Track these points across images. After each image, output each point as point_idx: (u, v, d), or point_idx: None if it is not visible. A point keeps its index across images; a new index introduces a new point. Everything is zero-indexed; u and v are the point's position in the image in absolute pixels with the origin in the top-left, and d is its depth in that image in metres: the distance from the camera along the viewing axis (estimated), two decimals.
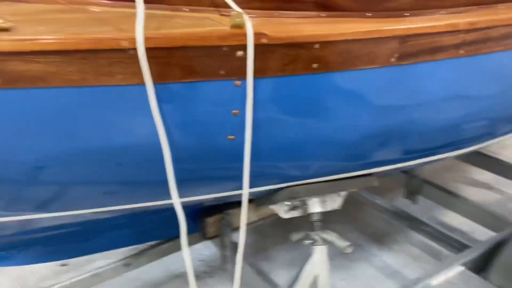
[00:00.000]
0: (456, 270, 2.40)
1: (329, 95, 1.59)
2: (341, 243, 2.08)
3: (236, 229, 2.74)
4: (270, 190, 1.92)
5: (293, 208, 2.15)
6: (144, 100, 1.37)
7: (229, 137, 1.57)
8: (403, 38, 1.57)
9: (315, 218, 2.13)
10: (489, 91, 1.86)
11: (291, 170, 1.82)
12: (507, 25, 1.76)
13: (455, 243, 3.00)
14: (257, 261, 3.34)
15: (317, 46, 1.47)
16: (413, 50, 1.61)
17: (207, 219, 2.61)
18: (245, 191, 1.62)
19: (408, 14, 1.69)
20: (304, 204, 2.13)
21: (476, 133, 2.08)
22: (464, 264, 2.42)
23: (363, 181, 2.03)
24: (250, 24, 1.38)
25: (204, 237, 2.67)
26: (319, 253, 2.14)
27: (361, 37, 1.50)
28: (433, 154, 2.08)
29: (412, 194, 3.41)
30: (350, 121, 1.67)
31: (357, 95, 1.62)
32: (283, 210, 2.15)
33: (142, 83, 1.35)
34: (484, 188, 4.20)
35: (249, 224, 2.85)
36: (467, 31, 1.66)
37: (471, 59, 1.72)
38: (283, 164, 1.77)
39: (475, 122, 1.96)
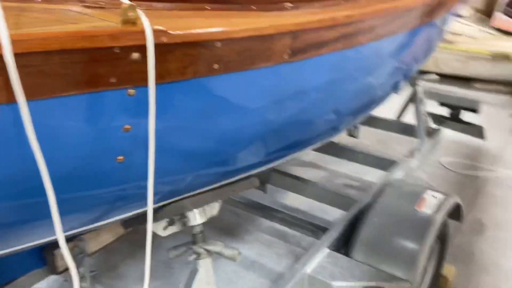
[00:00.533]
0: (322, 253, 2.48)
1: (228, 98, 1.42)
2: (228, 251, 1.95)
3: (93, 254, 2.36)
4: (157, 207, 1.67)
5: (171, 223, 1.92)
6: (11, 123, 1.00)
7: (118, 158, 1.27)
8: (295, 33, 1.48)
9: (197, 230, 1.95)
10: (358, 82, 1.93)
11: (181, 183, 1.60)
12: (373, 18, 1.83)
13: (306, 225, 3.16)
14: (110, 281, 2.99)
15: (218, 44, 1.28)
16: (302, 45, 1.54)
17: (56, 250, 2.17)
18: (150, 213, 1.35)
19: (290, 7, 1.62)
20: (183, 217, 1.92)
21: (344, 122, 2.17)
22: (328, 246, 2.52)
23: (247, 183, 1.92)
24: (146, 19, 1.11)
25: (54, 271, 2.22)
26: (205, 267, 1.97)
27: (261, 33, 1.36)
28: (308, 146, 2.09)
29: (261, 183, 3.44)
30: (246, 123, 1.54)
31: (254, 96, 1.49)
32: (161, 228, 1.90)
33: (8, 102, 0.97)
34: (311, 167, 4.55)
35: (104, 248, 2.49)
36: (344, 24, 1.67)
37: (346, 52, 1.74)
38: (174, 178, 1.54)
39: (345, 112, 2.03)
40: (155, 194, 1.57)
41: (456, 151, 4.76)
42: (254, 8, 1.54)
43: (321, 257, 2.45)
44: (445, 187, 4.26)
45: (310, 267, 2.39)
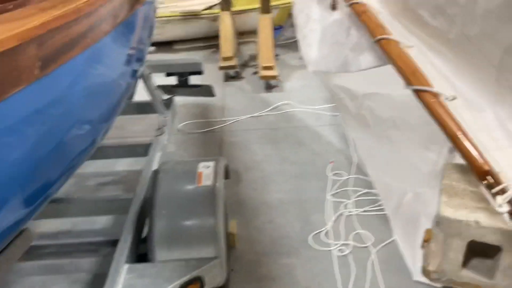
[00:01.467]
0: (123, 271, 2.22)
1: None
2: None
3: None
4: None
5: None
6: None
7: None
8: (43, 37, 1.12)
9: None
10: (112, 77, 1.66)
11: None
12: (106, 3, 1.56)
13: (85, 246, 2.78)
14: None
15: None
16: (52, 51, 1.19)
17: None
18: None
19: (12, 7, 1.22)
20: None
21: (111, 120, 1.86)
22: (126, 261, 2.27)
23: (22, 240, 1.46)
24: None
25: None
26: None
27: (2, 47, 0.97)
28: (83, 160, 1.73)
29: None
30: (13, 168, 1.13)
31: (17, 131, 1.09)
32: None
33: None
34: None
35: None
36: (88, 14, 1.36)
37: (100, 44, 1.45)
38: None
39: (110, 110, 1.74)
40: None
41: (188, 114, 4.93)
42: None
43: (123, 276, 2.20)
44: (192, 151, 4.38)
45: None
